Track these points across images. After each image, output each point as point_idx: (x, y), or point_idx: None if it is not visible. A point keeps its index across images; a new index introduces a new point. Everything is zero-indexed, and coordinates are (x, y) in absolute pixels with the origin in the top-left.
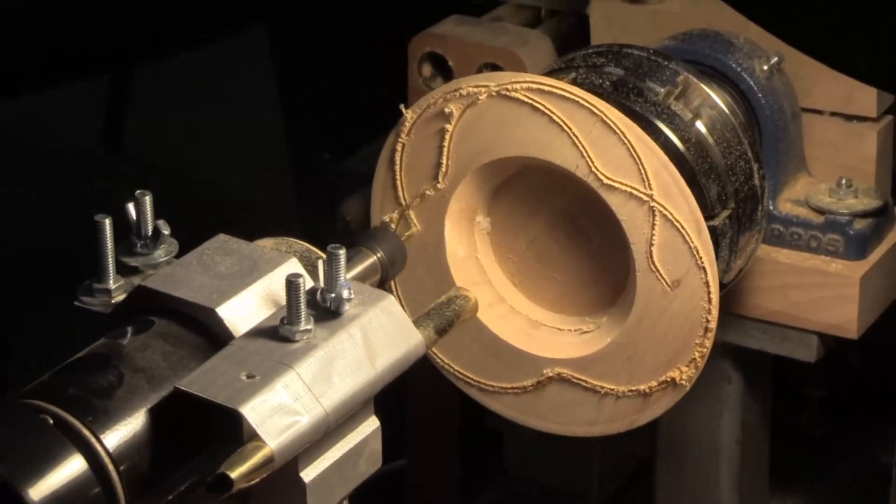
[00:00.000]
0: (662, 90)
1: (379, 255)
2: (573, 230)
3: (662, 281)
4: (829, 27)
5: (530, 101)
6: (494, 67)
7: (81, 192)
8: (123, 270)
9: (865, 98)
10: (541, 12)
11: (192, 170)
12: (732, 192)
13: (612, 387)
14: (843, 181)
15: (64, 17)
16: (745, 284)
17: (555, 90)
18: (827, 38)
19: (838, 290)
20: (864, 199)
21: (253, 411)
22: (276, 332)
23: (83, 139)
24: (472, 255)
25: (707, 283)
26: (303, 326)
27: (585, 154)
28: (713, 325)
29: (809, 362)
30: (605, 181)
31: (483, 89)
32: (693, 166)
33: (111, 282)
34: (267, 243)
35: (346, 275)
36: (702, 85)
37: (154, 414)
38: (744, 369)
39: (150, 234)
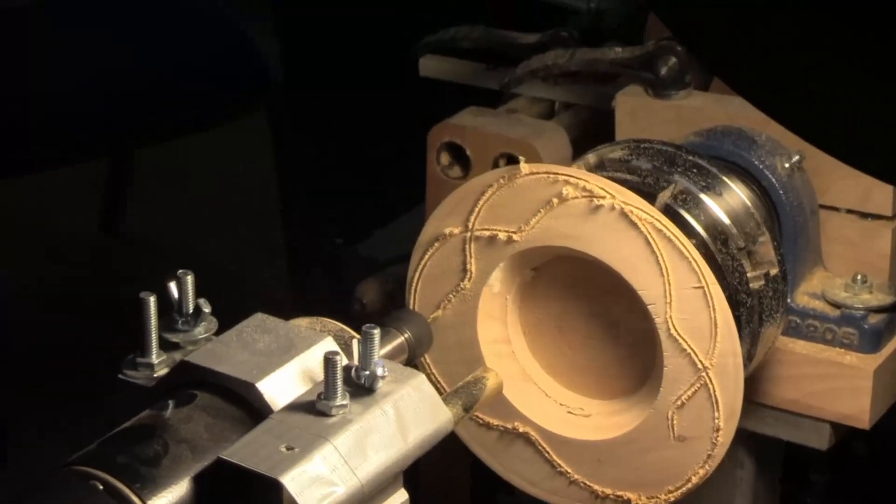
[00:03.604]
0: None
1: (406, 335)
2: (600, 315)
3: (671, 431)
4: (848, 126)
5: (645, 234)
6: (511, 157)
7: (79, 274)
8: (165, 346)
9: (882, 197)
10: (555, 105)
11: (190, 253)
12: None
13: (571, 471)
14: (859, 277)
15: (63, 101)
16: (762, 374)
17: (674, 239)
18: (845, 136)
19: (852, 381)
20: (879, 294)
21: (293, 481)
22: (314, 407)
23: (82, 221)
24: (503, 331)
25: (714, 446)
26: (339, 402)
27: (668, 301)
28: (692, 483)
29: (821, 450)
30: (672, 332)
31: (607, 199)
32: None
33: (154, 356)
34: (302, 322)
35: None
36: (728, 181)
37: (197, 482)
38: (756, 455)
39: (191, 311)
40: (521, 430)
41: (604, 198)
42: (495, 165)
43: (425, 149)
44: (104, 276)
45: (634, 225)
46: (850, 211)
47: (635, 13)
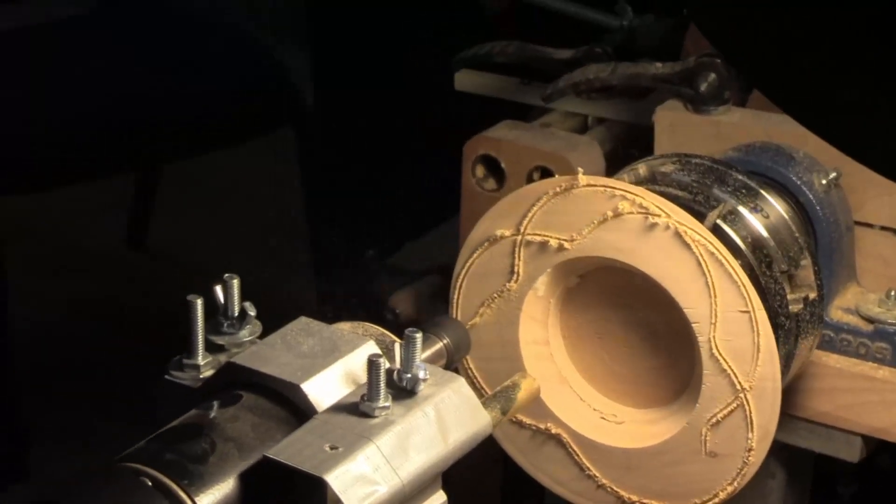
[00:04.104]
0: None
1: (445, 341)
2: (640, 325)
3: (703, 447)
4: (889, 140)
5: (697, 255)
6: (545, 171)
7: (106, 286)
8: (210, 348)
9: None
10: (587, 119)
11: (219, 267)
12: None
13: (599, 476)
14: (893, 292)
15: (90, 116)
16: (796, 386)
17: (725, 263)
18: (886, 150)
19: (884, 395)
20: None
21: (337, 480)
22: (357, 408)
23: (109, 235)
24: (544, 340)
25: (745, 465)
26: (382, 403)
27: (713, 322)
28: (719, 499)
29: (852, 462)
30: (714, 352)
31: (662, 217)
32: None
33: (200, 358)
34: (345, 326)
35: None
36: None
37: (243, 480)
38: (787, 466)
39: (236, 314)
40: (553, 431)
41: (659, 216)
42: (529, 178)
43: (455, 161)
44: (131, 288)
45: (687, 245)
46: (884, 228)
47: (668, 30)
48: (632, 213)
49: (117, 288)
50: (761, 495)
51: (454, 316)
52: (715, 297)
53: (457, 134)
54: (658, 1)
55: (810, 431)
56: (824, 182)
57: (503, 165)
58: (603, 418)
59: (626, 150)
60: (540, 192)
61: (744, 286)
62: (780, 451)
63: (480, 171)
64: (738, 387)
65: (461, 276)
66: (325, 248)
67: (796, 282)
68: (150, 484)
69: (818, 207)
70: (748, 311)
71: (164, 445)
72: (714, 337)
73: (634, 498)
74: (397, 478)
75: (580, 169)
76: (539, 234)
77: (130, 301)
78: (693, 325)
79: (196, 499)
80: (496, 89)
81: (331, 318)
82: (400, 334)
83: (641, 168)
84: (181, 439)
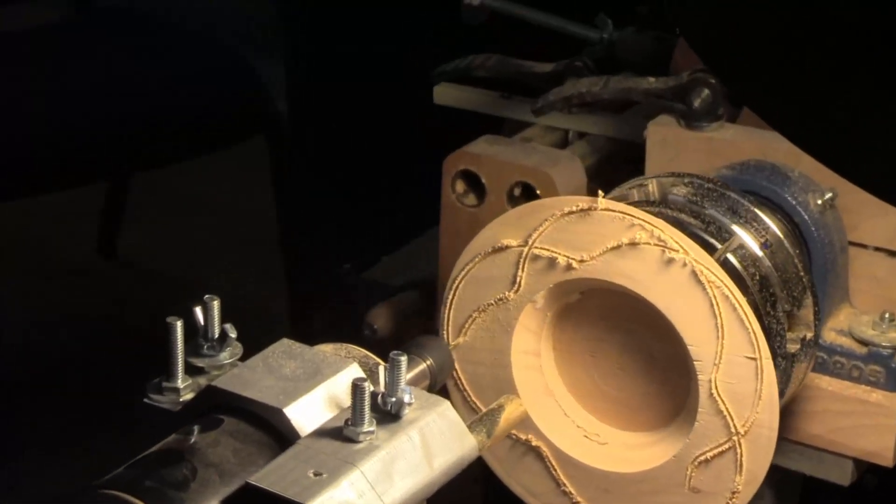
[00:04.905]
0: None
1: (429, 362)
2: (636, 350)
3: (687, 482)
4: (883, 160)
5: (711, 297)
6: (526, 186)
7: (77, 296)
8: (189, 370)
9: None
10: (568, 134)
11: (191, 278)
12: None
13: (575, 493)
14: (887, 315)
15: (61, 125)
16: (787, 408)
17: (738, 309)
18: (880, 170)
19: (877, 419)
20: None
21: None
22: (341, 433)
23: (80, 244)
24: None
25: None
26: (366, 428)
27: (717, 363)
28: None
29: (843, 486)
30: (713, 392)
31: (680, 253)
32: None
33: (180, 381)
34: (327, 348)
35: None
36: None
37: None
38: (776, 487)
39: (216, 336)
40: (533, 443)
41: (676, 252)
42: (510, 194)
43: (432, 175)
44: (102, 298)
45: (701, 285)
46: (878, 248)
47: (650, 44)
48: (648, 244)
49: (89, 297)
50: None
51: (445, 316)
52: (723, 339)
53: (434, 147)
54: (639, 14)
55: (801, 454)
56: (820, 202)
57: (484, 181)
58: (586, 436)
59: (615, 164)
60: (554, 208)
61: (754, 333)
62: (770, 474)
63: (460, 186)
64: (733, 429)
65: (459, 278)
66: (301, 261)
67: (795, 321)
68: None
69: (813, 228)
70: (755, 359)
71: (144, 471)
72: (716, 378)
73: None
74: None
75: (601, 192)
76: (547, 250)
77: (102, 310)
78: (695, 362)
79: None
80: (476, 103)
81: (305, 334)
82: (378, 350)
83: (652, 186)
84: (161, 465)
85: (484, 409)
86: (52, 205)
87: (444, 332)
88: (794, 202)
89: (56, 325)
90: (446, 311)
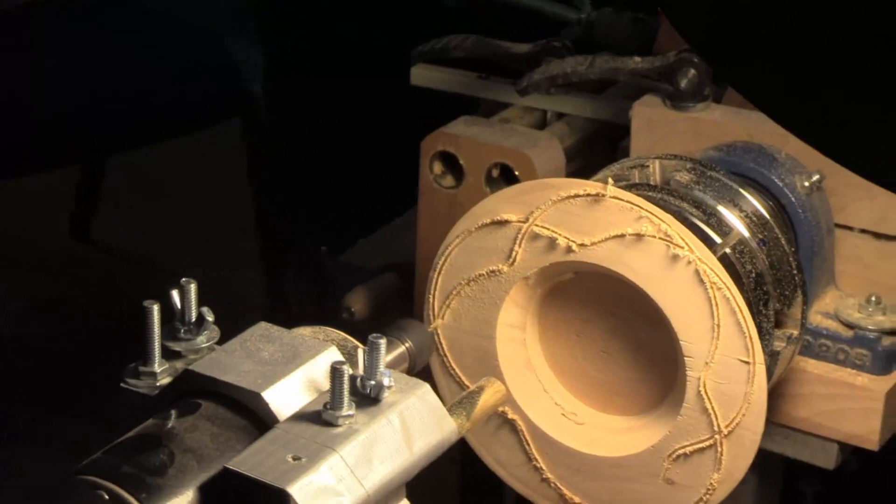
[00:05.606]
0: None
1: (408, 345)
2: (623, 335)
3: (662, 472)
4: (869, 141)
5: (711, 297)
6: (505, 167)
7: (51, 281)
8: (167, 354)
9: None
10: (547, 115)
11: (163, 260)
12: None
13: (545, 469)
14: (873, 298)
15: (34, 107)
16: (772, 391)
17: (738, 312)
18: (865, 152)
19: (863, 402)
20: (893, 316)
21: (300, 491)
22: (320, 417)
23: (53, 229)
24: (521, 340)
25: (703, 502)
26: (345, 412)
27: (708, 362)
28: None
29: (828, 469)
30: (701, 390)
31: (685, 250)
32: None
33: (156, 365)
34: (305, 331)
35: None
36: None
37: (203, 492)
38: (759, 469)
39: (193, 320)
40: (509, 416)
41: (682, 248)
42: (489, 175)
43: (409, 156)
44: (77, 283)
45: (703, 285)
46: (863, 231)
47: (629, 24)
48: (654, 237)
49: (63, 282)
50: (732, 499)
51: (433, 280)
52: (717, 340)
53: (411, 129)
54: None
55: (785, 437)
56: (807, 184)
57: (462, 162)
58: (563, 414)
59: (594, 144)
60: (560, 189)
61: (750, 338)
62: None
63: (438, 167)
64: (717, 428)
65: (453, 244)
66: (278, 244)
67: (784, 318)
68: (106, 498)
69: (800, 210)
70: (748, 363)
71: (121, 457)
72: (705, 377)
73: (577, 500)
74: (362, 488)
75: (611, 180)
76: (548, 229)
77: (76, 295)
78: (686, 358)
79: None
80: (453, 84)
81: (283, 317)
82: (356, 333)
83: (653, 167)
84: (138, 451)
85: (462, 377)
86: (25, 188)
87: (431, 297)
88: (780, 184)
89: (28, 311)
90: (435, 276)
